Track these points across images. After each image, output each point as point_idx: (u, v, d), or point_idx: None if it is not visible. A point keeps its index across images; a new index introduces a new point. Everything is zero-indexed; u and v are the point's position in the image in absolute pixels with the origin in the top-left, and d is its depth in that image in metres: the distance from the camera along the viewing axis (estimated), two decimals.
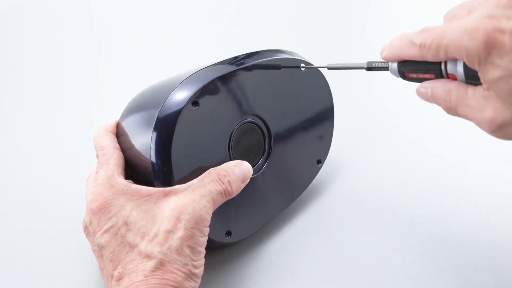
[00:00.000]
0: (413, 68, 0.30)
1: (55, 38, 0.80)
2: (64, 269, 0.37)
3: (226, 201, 0.33)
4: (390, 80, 0.72)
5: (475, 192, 0.45)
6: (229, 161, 0.36)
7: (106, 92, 0.64)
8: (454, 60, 0.27)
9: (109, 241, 0.29)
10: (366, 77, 0.70)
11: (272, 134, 0.39)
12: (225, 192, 0.32)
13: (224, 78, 0.35)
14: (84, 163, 0.43)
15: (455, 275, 0.36)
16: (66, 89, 0.65)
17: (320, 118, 0.44)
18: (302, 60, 0.41)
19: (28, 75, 0.69)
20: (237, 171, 0.33)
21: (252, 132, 0.38)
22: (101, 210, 0.30)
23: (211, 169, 0.33)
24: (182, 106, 0.32)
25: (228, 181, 0.32)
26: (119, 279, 0.28)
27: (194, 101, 0.33)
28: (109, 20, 0.87)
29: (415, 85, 0.31)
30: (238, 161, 0.35)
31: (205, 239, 0.30)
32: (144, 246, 0.28)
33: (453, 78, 0.28)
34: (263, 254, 0.38)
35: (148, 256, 0.28)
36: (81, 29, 0.83)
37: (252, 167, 0.38)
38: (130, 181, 0.34)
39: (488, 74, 0.24)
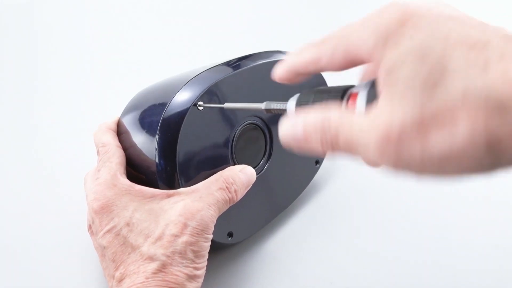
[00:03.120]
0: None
1: (55, 35, 0.79)
2: (67, 268, 0.37)
3: None
4: None
5: (474, 190, 0.45)
6: (231, 161, 0.36)
7: (105, 90, 0.63)
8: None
9: (111, 242, 0.29)
10: None
11: (273, 135, 0.39)
12: (230, 201, 0.32)
13: (227, 80, 0.35)
14: (84, 160, 0.43)
15: (454, 274, 0.36)
16: (65, 87, 0.65)
17: None
18: None
19: (27, 72, 0.68)
20: (242, 178, 0.33)
21: (254, 133, 0.38)
22: (103, 210, 0.30)
23: (218, 175, 0.32)
24: (188, 107, 0.32)
25: (235, 190, 0.32)
26: (120, 280, 0.28)
27: (199, 102, 0.33)
28: (109, 18, 0.86)
29: None
30: (243, 166, 0.35)
31: (208, 243, 0.30)
32: (146, 247, 0.28)
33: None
34: (263, 254, 0.39)
35: (151, 258, 0.28)
36: (81, 27, 0.82)
37: (254, 167, 0.38)
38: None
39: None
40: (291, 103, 0.26)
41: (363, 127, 0.19)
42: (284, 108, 0.28)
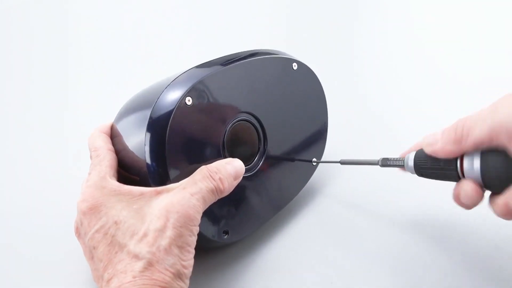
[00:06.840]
0: (428, 166, 0.32)
1: (50, 39, 0.80)
2: (62, 272, 0.37)
3: (223, 200, 0.32)
4: (385, 80, 0.72)
5: None
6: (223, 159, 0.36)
7: (102, 95, 0.64)
8: (471, 156, 0.29)
9: (100, 241, 0.29)
10: (361, 78, 0.71)
11: (267, 132, 0.39)
12: (216, 190, 0.31)
13: (215, 77, 0.35)
14: (80, 165, 0.43)
15: (455, 275, 0.35)
16: (62, 92, 0.66)
17: (314, 117, 0.44)
18: (293, 59, 0.42)
19: (23, 77, 0.69)
20: (229, 168, 0.33)
21: (246, 130, 0.38)
22: (91, 210, 0.30)
23: (202, 167, 0.32)
24: (174, 105, 0.32)
25: (220, 178, 0.31)
26: (109, 280, 0.27)
27: (186, 99, 0.33)
28: (104, 23, 0.87)
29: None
30: (230, 158, 0.34)
31: (194, 238, 0.29)
32: (133, 246, 0.28)
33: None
34: (263, 254, 0.38)
35: (137, 256, 0.27)
36: (79, 32, 0.83)
37: (248, 165, 0.37)
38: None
39: None
40: (410, 160, 0.33)
41: None
42: (401, 163, 0.34)
